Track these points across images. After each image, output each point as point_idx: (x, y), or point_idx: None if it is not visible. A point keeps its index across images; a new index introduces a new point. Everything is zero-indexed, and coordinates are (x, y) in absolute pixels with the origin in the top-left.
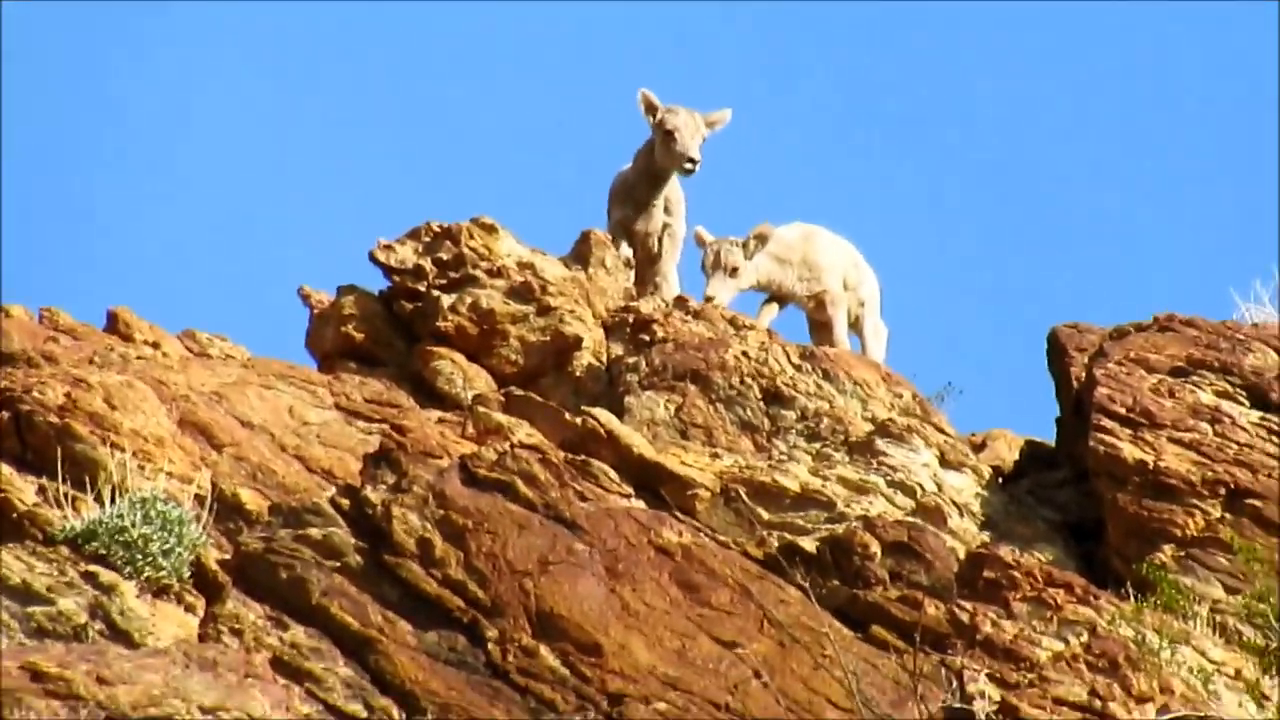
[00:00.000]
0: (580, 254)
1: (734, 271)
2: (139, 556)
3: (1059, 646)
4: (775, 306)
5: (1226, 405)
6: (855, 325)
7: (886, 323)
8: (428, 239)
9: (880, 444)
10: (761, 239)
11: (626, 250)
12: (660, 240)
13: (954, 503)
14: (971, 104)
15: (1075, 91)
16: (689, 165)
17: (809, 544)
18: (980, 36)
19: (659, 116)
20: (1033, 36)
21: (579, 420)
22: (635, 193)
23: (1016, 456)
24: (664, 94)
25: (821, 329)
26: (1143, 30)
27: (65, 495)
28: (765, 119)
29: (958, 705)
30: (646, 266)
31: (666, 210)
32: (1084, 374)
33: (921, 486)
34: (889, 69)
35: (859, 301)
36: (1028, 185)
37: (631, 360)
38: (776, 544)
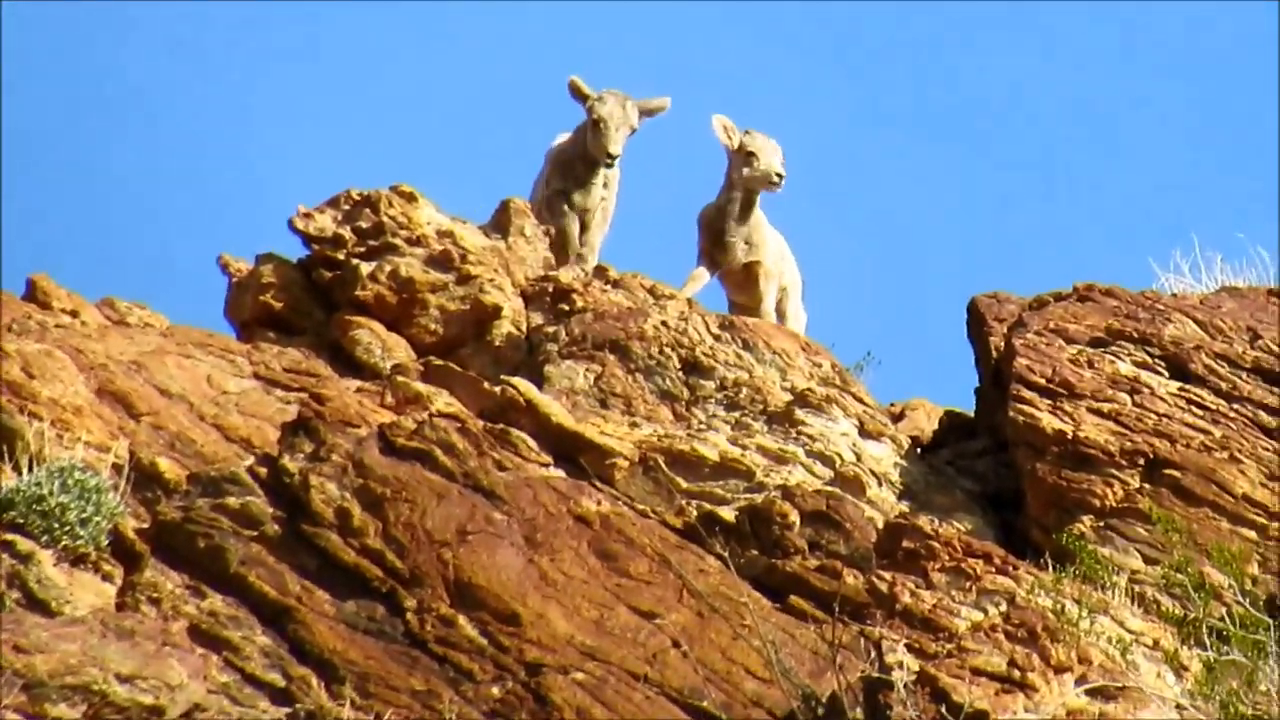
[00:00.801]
0: (500, 223)
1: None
2: (56, 525)
3: (978, 616)
4: (705, 274)
5: (1146, 376)
6: (778, 310)
7: (806, 306)
8: (347, 207)
9: (799, 414)
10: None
11: (571, 221)
12: (594, 214)
13: (873, 472)
14: (895, 71)
15: (997, 61)
16: (608, 160)
17: (728, 513)
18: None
19: (589, 104)
20: (961, 7)
21: (498, 389)
22: (575, 168)
23: (936, 426)
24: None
25: (745, 306)
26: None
27: None
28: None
29: (876, 675)
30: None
31: (604, 184)
32: (1003, 344)
33: (840, 456)
34: (815, 34)
35: (782, 287)
36: (949, 154)
37: (551, 330)
38: (695, 513)
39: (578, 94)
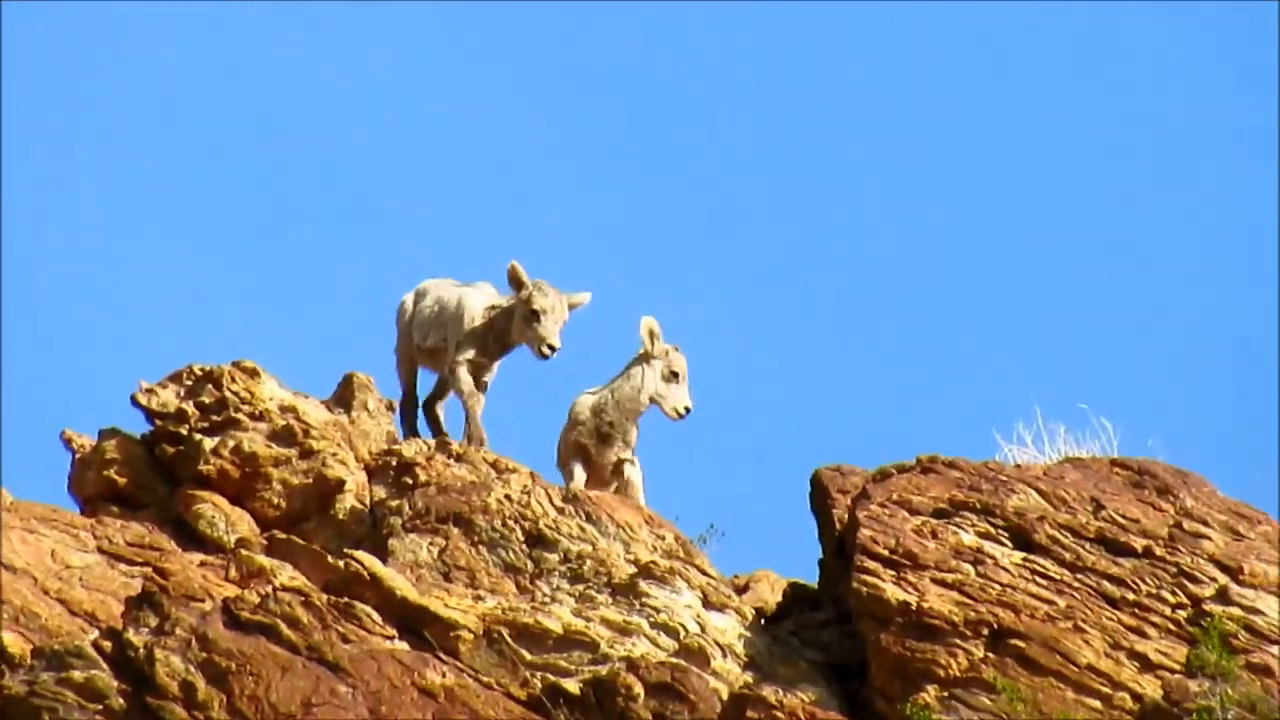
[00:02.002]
0: (342, 397)
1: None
2: None
3: None
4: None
5: (989, 546)
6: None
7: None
8: (189, 382)
9: (643, 585)
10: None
11: (478, 401)
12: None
13: (717, 644)
14: (731, 232)
15: (834, 234)
16: (548, 351)
17: (572, 685)
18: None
19: (527, 294)
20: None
21: (342, 563)
22: (486, 345)
23: (780, 598)
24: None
25: (617, 472)
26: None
27: None
28: None
29: None
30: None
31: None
32: (847, 515)
33: (685, 627)
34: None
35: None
36: (787, 325)
37: (394, 503)
38: (540, 685)
39: (515, 280)
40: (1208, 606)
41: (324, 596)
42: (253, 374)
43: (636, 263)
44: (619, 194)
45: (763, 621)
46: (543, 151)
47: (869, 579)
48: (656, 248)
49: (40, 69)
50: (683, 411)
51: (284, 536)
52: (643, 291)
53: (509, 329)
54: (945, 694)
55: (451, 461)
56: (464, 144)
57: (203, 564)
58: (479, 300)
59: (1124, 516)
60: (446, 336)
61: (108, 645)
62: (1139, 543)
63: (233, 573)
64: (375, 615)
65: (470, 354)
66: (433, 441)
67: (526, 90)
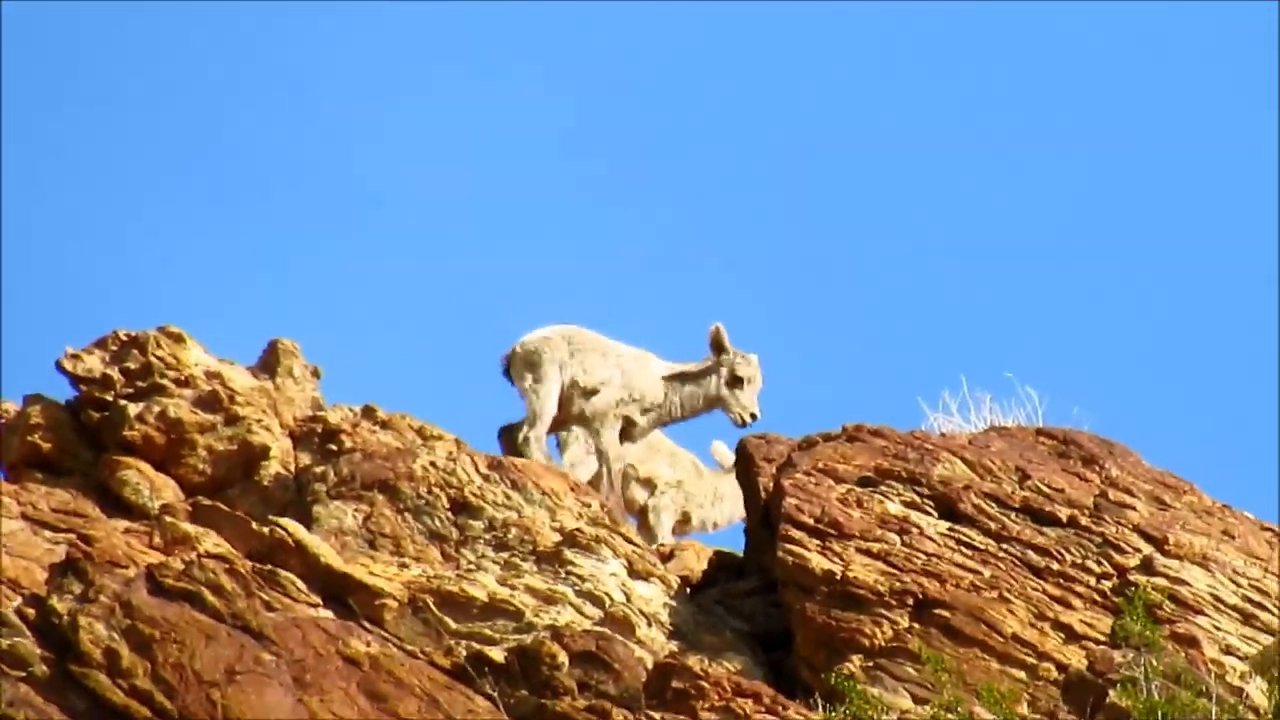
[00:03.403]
0: (268, 364)
1: None
2: None
3: None
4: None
5: (915, 516)
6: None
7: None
8: (115, 348)
9: (568, 554)
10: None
11: (615, 440)
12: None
13: (642, 612)
14: (659, 198)
15: (768, 204)
16: (750, 420)
17: (497, 654)
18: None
19: (730, 359)
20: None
21: (266, 530)
22: (657, 407)
23: (705, 566)
24: None
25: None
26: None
27: None
28: None
29: None
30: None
31: None
32: (772, 484)
33: (610, 596)
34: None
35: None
36: (715, 295)
37: (319, 470)
38: (464, 654)
39: (717, 344)
40: (1133, 577)
41: (248, 564)
42: (178, 340)
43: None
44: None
45: (688, 590)
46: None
47: (794, 548)
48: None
49: None
50: (747, 419)
51: (208, 503)
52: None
53: (697, 390)
54: (870, 664)
55: (377, 428)
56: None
57: (127, 531)
58: (658, 364)
59: (1049, 486)
60: (618, 396)
61: (31, 612)
62: (1064, 512)
63: (157, 539)
64: (299, 583)
65: (637, 414)
66: (358, 408)
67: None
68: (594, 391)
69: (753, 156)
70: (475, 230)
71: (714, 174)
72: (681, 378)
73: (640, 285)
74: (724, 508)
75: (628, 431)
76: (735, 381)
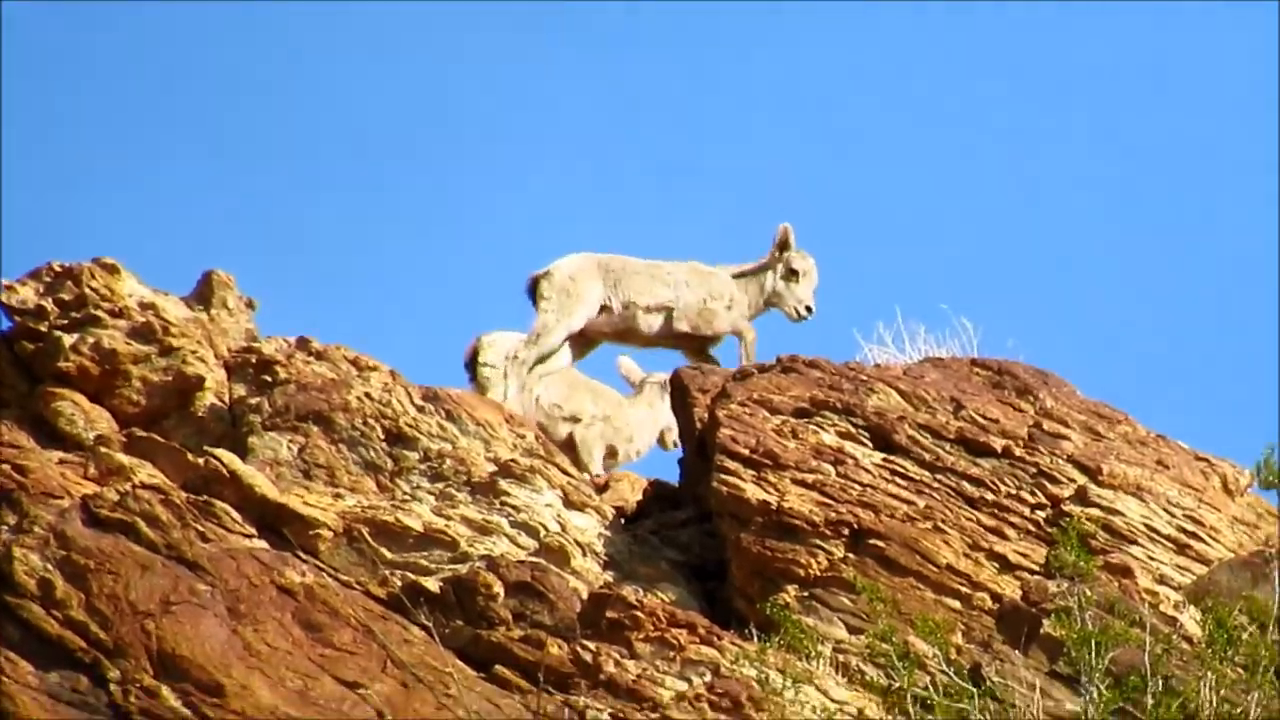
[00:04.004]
0: (202, 295)
1: None
2: None
3: (682, 686)
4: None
5: (850, 446)
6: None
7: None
8: (49, 279)
9: (503, 484)
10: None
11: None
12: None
13: (577, 543)
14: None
15: (694, 121)
16: (805, 314)
17: (432, 584)
18: None
19: (789, 254)
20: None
21: (201, 461)
22: (738, 301)
23: (640, 497)
24: None
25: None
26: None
27: None
28: None
29: None
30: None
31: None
32: (707, 415)
33: (545, 527)
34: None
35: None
36: (646, 222)
37: (254, 401)
38: (399, 584)
39: (784, 242)
40: (1067, 507)
41: (183, 495)
42: (113, 271)
43: None
44: None
45: (623, 521)
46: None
47: (729, 479)
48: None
49: None
50: (803, 312)
51: (143, 434)
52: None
53: (760, 290)
54: (805, 594)
55: (312, 359)
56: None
57: (62, 462)
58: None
59: (984, 417)
60: (703, 317)
61: None
62: (998, 443)
63: (92, 470)
64: (234, 513)
65: (740, 318)
66: (293, 340)
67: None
68: (668, 309)
69: (687, 77)
70: (408, 162)
71: (654, 91)
72: (742, 275)
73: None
74: (642, 435)
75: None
76: (791, 276)
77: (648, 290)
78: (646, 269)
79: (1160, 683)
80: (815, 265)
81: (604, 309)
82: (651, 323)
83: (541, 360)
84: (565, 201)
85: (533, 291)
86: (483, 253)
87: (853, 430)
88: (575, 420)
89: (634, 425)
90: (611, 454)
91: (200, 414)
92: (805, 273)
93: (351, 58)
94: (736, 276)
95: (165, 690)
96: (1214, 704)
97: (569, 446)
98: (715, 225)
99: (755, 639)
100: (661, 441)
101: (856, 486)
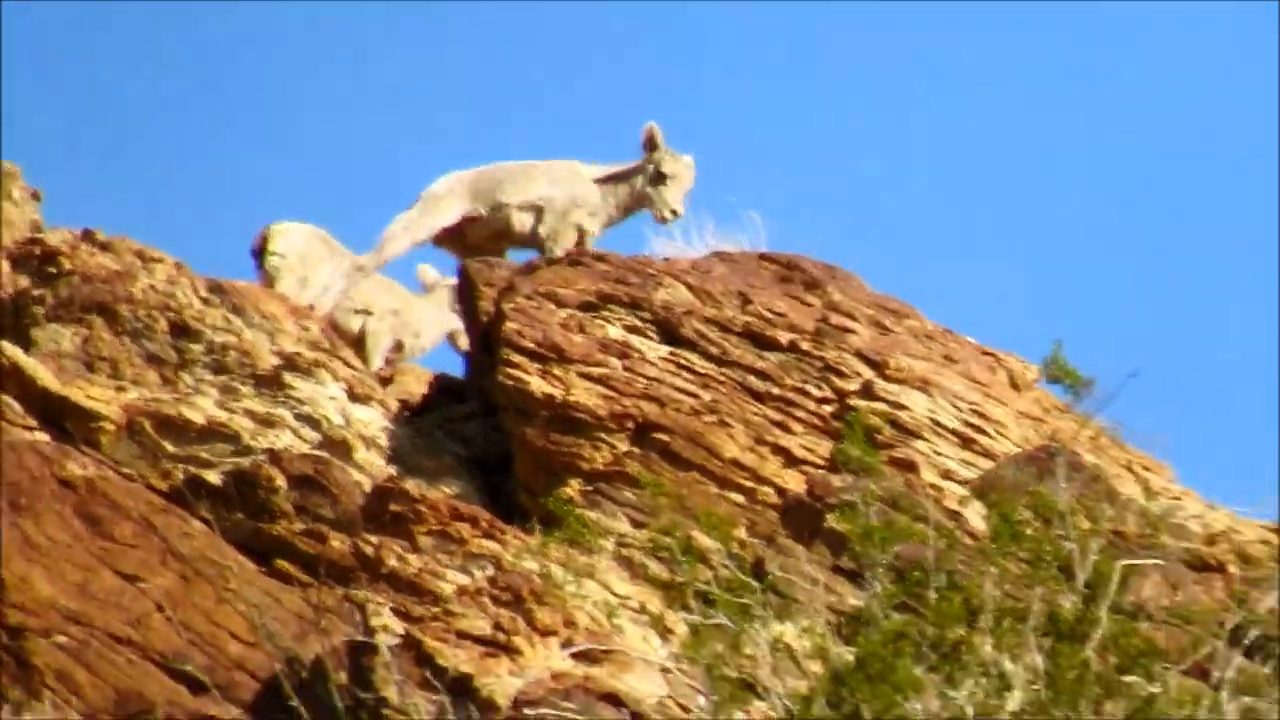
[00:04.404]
0: None
1: None
2: None
3: (464, 580)
4: None
5: (636, 340)
6: None
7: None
8: None
9: (287, 377)
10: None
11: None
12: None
13: (361, 436)
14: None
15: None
16: (671, 216)
17: (214, 477)
18: None
19: (657, 156)
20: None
21: None
22: (600, 210)
23: (425, 390)
24: None
25: None
26: None
27: None
28: None
29: (361, 639)
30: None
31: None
32: (493, 309)
33: (328, 420)
34: None
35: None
36: (448, 116)
37: (38, 293)
38: (181, 477)
39: (650, 142)
40: (853, 401)
41: None
42: None
43: None
44: None
45: (407, 414)
46: None
47: (514, 372)
48: None
49: None
50: (668, 216)
51: None
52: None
53: (630, 192)
54: (589, 488)
55: (96, 251)
56: None
57: None
58: (587, 170)
59: (771, 311)
60: (562, 205)
61: None
62: (785, 337)
63: None
64: (16, 405)
65: (589, 225)
66: (78, 231)
67: None
68: (538, 208)
69: None
70: (196, 48)
71: None
72: (613, 179)
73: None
74: (430, 332)
75: (583, 241)
76: (660, 179)
77: (521, 189)
78: (521, 169)
79: (944, 577)
80: (690, 166)
81: (475, 219)
82: (525, 221)
83: (378, 268)
84: (367, 99)
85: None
86: (272, 145)
87: (639, 324)
88: (367, 313)
89: (423, 321)
90: (398, 348)
91: None
92: (675, 175)
93: None
94: (604, 181)
95: None
96: (997, 598)
97: (360, 340)
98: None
99: (538, 533)
100: (454, 343)
101: (642, 380)
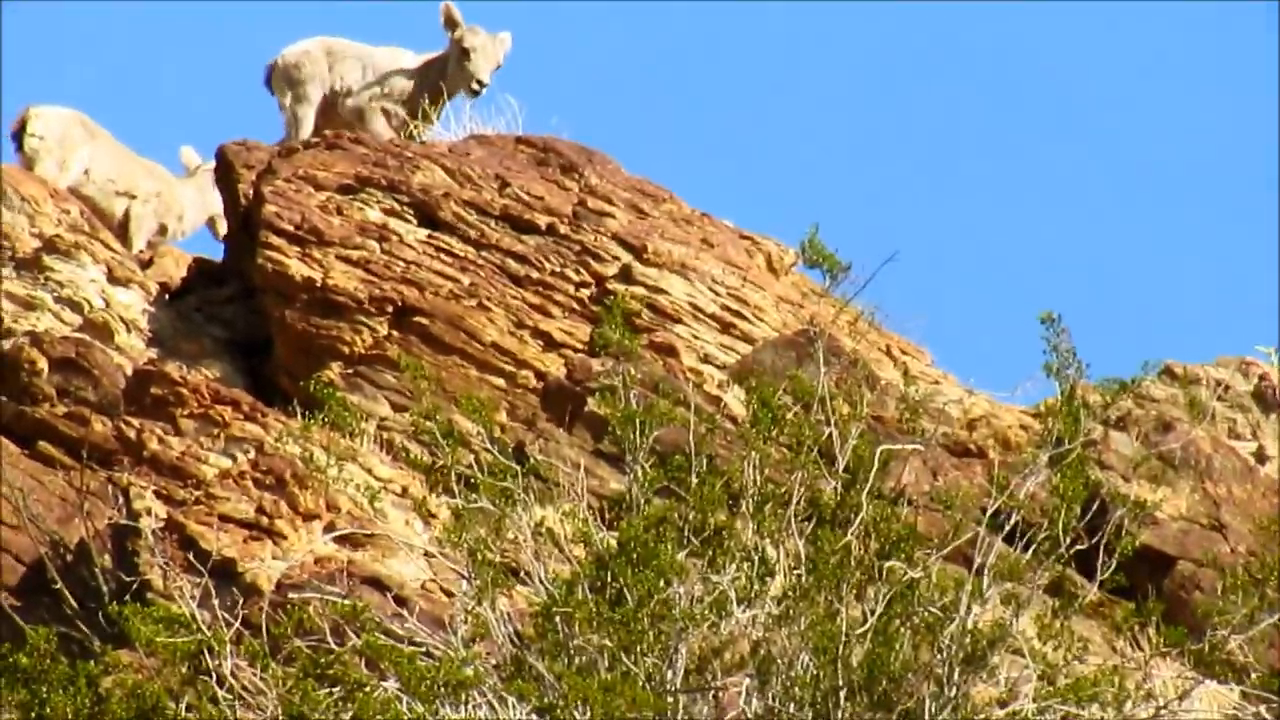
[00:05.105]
0: None
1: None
2: None
3: (226, 463)
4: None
5: (395, 224)
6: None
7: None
8: None
9: (47, 260)
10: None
11: (386, 129)
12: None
13: (121, 319)
14: None
15: None
16: (477, 88)
17: None
18: None
19: (460, 33)
20: None
21: None
22: (408, 98)
23: (184, 273)
24: None
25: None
26: None
27: None
28: None
29: (125, 522)
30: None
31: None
32: (252, 191)
33: (89, 303)
34: None
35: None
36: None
37: None
38: None
39: (450, 21)
40: (611, 285)
41: None
42: None
43: None
44: None
45: (167, 297)
46: None
47: (273, 255)
48: None
49: None
50: (474, 88)
51: None
52: None
53: (443, 76)
54: (349, 371)
55: None
56: None
57: None
58: (410, 58)
59: (529, 194)
60: (369, 92)
61: None
62: (543, 220)
63: None
64: None
65: (387, 106)
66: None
67: None
68: (349, 93)
69: None
70: None
71: None
72: (428, 65)
73: None
74: (191, 215)
75: (388, 121)
76: (464, 55)
77: (356, 74)
78: (360, 53)
79: (704, 462)
80: (492, 38)
81: (335, 93)
82: (344, 105)
83: None
84: None
85: (269, 82)
86: (31, 22)
87: (398, 207)
88: (130, 196)
89: (185, 203)
90: (161, 231)
91: None
92: (475, 48)
93: None
94: (424, 67)
95: None
96: (758, 483)
97: (123, 223)
98: None
99: (300, 416)
100: (213, 228)
101: (401, 263)
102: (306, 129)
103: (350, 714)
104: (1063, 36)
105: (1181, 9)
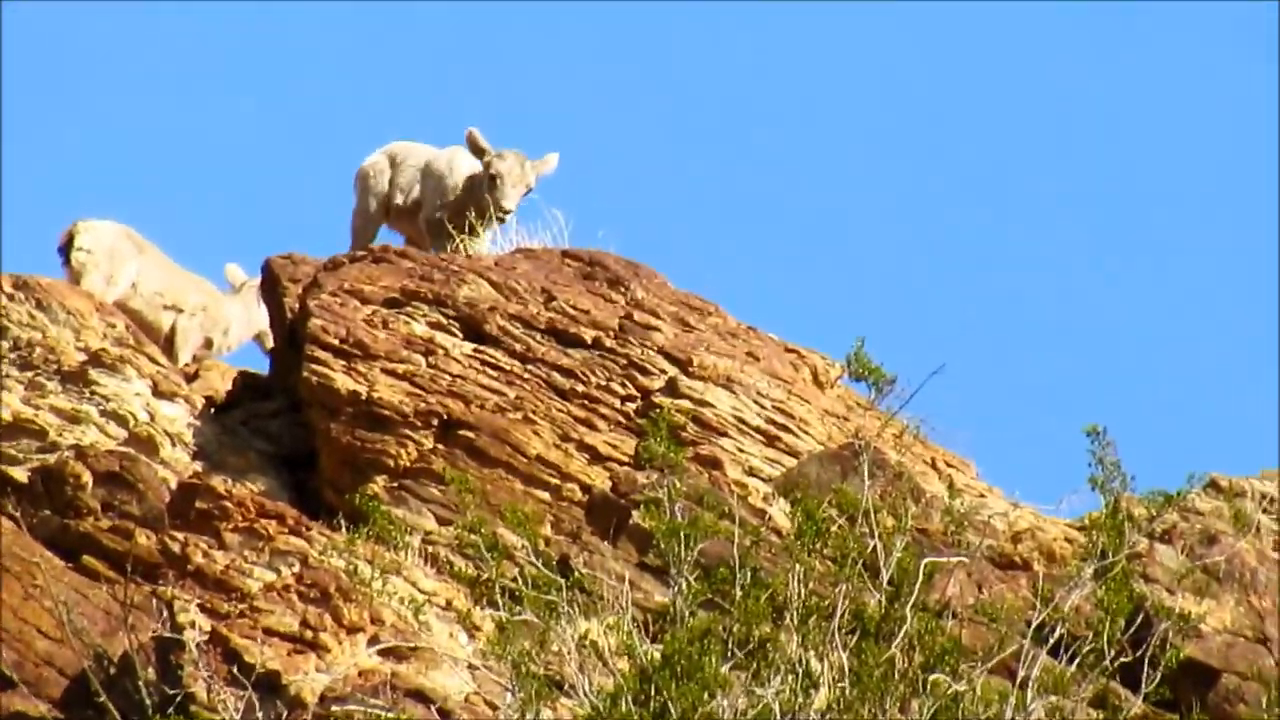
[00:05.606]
0: None
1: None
2: None
3: (270, 577)
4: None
5: (440, 337)
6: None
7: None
8: None
9: (93, 373)
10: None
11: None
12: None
13: (166, 433)
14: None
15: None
16: (501, 216)
17: (20, 474)
18: None
19: (487, 159)
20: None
21: None
22: (457, 211)
23: (230, 387)
24: None
25: None
26: None
27: None
28: None
29: (168, 635)
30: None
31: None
32: (298, 305)
33: (134, 416)
34: None
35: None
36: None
37: None
38: None
39: (475, 148)
40: (657, 398)
41: None
42: None
43: None
44: None
45: (213, 411)
46: None
47: (319, 368)
48: None
49: None
50: (501, 216)
51: None
52: None
53: (479, 195)
54: (394, 484)
55: None
56: None
57: None
58: (467, 163)
59: (574, 307)
60: (425, 196)
61: None
62: (589, 334)
63: None
64: None
65: (443, 215)
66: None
67: None
68: (418, 206)
69: None
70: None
71: None
72: (473, 180)
73: None
74: (236, 330)
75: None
76: (491, 181)
77: (414, 183)
78: (419, 161)
79: (749, 575)
80: (521, 162)
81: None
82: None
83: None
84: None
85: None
86: (81, 141)
87: (444, 321)
88: (177, 310)
89: (231, 318)
90: (207, 345)
91: None
92: (501, 175)
93: None
94: (469, 181)
95: None
96: (802, 596)
97: (170, 337)
98: None
99: (344, 530)
100: (260, 344)
101: (447, 377)
102: (362, 236)
103: None
104: (1108, 147)
105: None
